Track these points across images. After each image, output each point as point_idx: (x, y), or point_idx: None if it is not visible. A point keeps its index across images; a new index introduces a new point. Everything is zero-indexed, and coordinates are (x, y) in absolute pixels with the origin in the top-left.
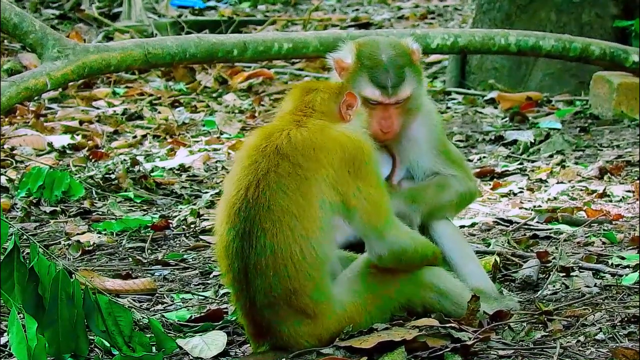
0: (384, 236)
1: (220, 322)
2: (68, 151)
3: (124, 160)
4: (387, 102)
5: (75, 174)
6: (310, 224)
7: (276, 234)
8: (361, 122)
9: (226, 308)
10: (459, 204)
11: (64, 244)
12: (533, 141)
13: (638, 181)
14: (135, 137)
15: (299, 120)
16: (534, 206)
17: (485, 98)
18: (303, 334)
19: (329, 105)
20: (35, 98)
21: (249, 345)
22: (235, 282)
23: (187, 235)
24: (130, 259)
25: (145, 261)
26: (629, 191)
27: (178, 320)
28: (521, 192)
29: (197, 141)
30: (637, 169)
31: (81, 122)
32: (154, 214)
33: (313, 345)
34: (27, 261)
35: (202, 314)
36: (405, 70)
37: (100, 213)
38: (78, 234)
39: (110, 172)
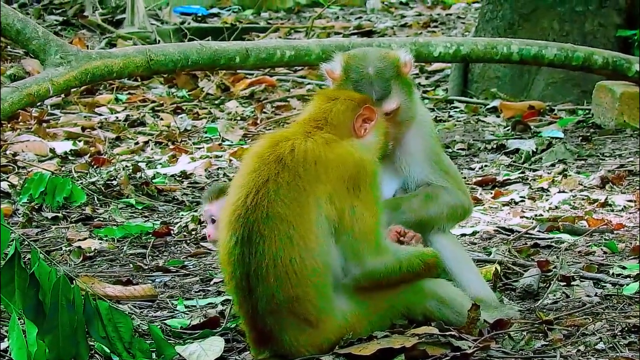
0: (363, 262)
1: (220, 329)
2: (70, 157)
3: (126, 166)
4: None
5: (77, 180)
6: (308, 234)
7: (274, 241)
8: (378, 138)
9: (223, 311)
10: (450, 217)
11: (65, 250)
12: (535, 150)
13: (639, 191)
14: (137, 143)
15: (309, 131)
16: (535, 215)
17: (488, 107)
18: (304, 343)
19: (343, 118)
20: (38, 104)
21: (248, 352)
22: (238, 289)
23: (188, 242)
24: (131, 265)
25: (146, 267)
26: (630, 201)
27: (181, 327)
28: (522, 201)
29: (199, 148)
30: (639, 179)
31: (83, 129)
32: (155, 220)
33: (313, 354)
34: (28, 267)
35: (202, 322)
36: (392, 83)
37: (102, 219)
38: (79, 240)
39: (112, 178)
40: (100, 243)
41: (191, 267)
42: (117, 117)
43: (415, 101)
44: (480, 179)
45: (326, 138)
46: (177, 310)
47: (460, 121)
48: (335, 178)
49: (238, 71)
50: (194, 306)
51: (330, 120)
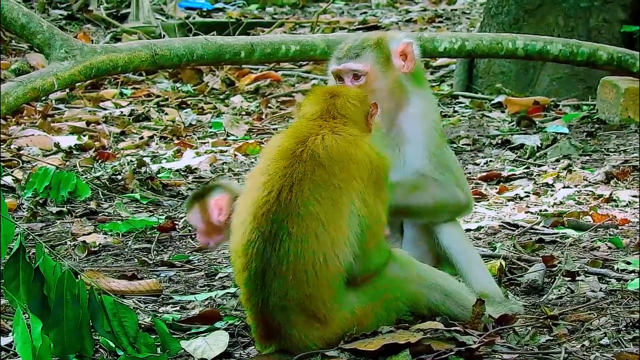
0: (369, 259)
1: (224, 323)
2: (75, 152)
3: (131, 161)
4: (339, 69)
5: (82, 175)
6: (337, 234)
7: (301, 240)
8: (379, 132)
9: (223, 305)
10: (438, 211)
11: (70, 245)
12: (540, 145)
13: None
14: (142, 138)
15: (333, 126)
16: (540, 210)
17: (493, 102)
18: (313, 337)
19: (358, 114)
20: (43, 98)
21: (253, 347)
22: (250, 281)
23: (193, 236)
24: (136, 260)
25: (151, 262)
26: (635, 196)
27: (174, 320)
28: (527, 196)
29: (204, 143)
30: None
31: (88, 123)
32: (160, 215)
33: (321, 348)
34: (33, 261)
35: (195, 315)
36: (368, 49)
37: (107, 214)
38: (84, 234)
39: (117, 173)
40: (105, 238)
41: (196, 261)
42: (121, 112)
43: (393, 78)
44: (485, 174)
45: (353, 134)
46: (175, 304)
47: (465, 116)
48: (365, 176)
49: (243, 66)
50: (193, 301)
51: (349, 115)
